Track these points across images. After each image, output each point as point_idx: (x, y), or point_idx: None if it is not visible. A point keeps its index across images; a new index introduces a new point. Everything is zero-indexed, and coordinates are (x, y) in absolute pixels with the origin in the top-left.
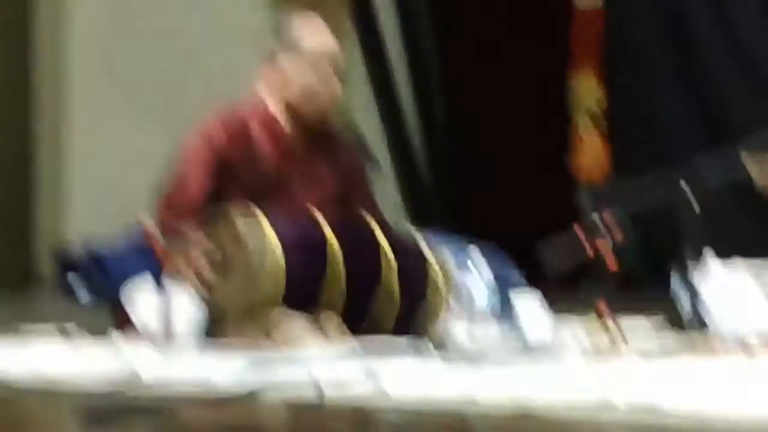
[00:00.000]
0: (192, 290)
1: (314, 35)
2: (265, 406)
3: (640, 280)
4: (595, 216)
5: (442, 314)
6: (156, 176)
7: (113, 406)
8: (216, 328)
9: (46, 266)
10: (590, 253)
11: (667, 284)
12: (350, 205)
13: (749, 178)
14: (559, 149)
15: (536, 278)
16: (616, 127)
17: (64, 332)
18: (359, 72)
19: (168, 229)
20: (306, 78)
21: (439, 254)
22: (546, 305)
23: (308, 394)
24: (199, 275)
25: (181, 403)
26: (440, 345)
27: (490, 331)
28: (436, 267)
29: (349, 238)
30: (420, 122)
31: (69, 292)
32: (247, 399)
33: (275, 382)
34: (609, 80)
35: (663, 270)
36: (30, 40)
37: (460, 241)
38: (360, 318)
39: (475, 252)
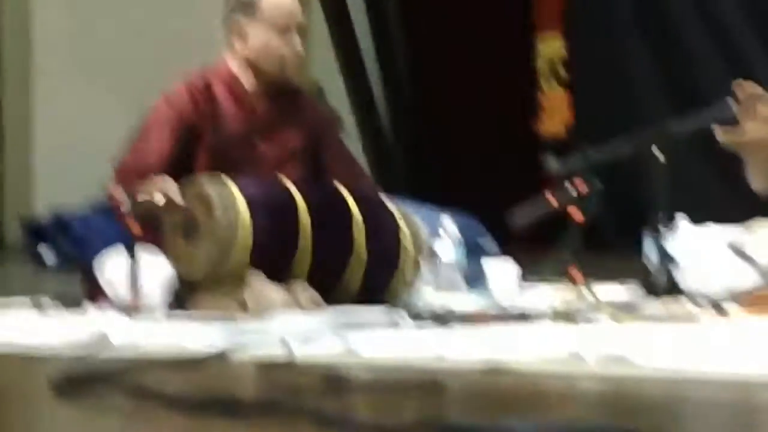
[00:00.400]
0: (161, 255)
1: None
2: (236, 365)
3: (608, 237)
4: (559, 169)
5: (414, 280)
6: (122, 142)
7: (84, 370)
8: (186, 293)
9: (14, 235)
10: (555, 204)
11: (636, 243)
12: (319, 163)
13: (713, 134)
14: (523, 108)
15: (507, 242)
16: (580, 83)
17: (36, 303)
18: (322, 29)
19: (131, 192)
20: (265, 35)
21: (410, 221)
22: (518, 271)
23: (278, 354)
24: (166, 240)
25: (151, 365)
26: (412, 311)
27: (461, 297)
28: (407, 234)
29: (319, 205)
30: (384, 84)
31: (38, 260)
32: (217, 359)
33: (245, 343)
34: (573, 36)
35: (630, 228)
36: None
37: (431, 207)
38: (331, 286)
39: (446, 218)
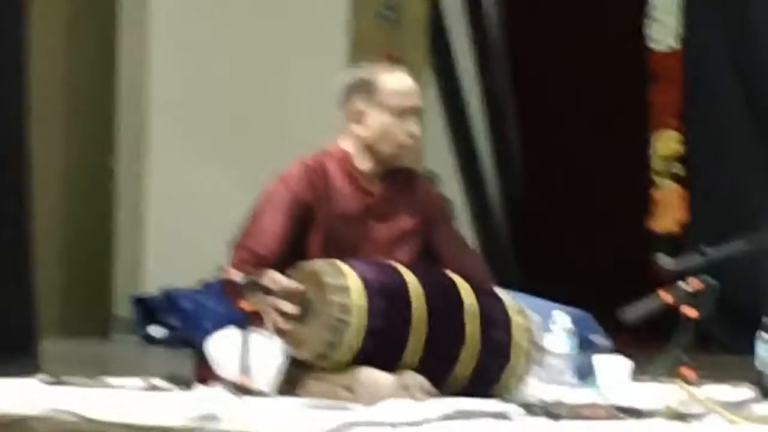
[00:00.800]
0: (272, 336)
1: (392, 76)
2: None
3: (720, 337)
4: (672, 266)
5: (526, 374)
6: (236, 224)
7: None
8: (297, 375)
9: (124, 311)
10: (668, 301)
11: (749, 344)
12: (431, 246)
13: None
14: (637, 204)
15: (619, 338)
16: (694, 180)
17: (147, 382)
18: (436, 115)
19: (246, 273)
20: (383, 118)
21: (523, 313)
22: (630, 369)
23: None
24: (279, 321)
25: None
26: (522, 403)
27: (572, 391)
28: (520, 326)
29: (432, 293)
30: (498, 179)
31: (147, 336)
32: None
33: (353, 429)
34: (688, 134)
35: (743, 328)
36: (113, 91)
37: (544, 300)
38: (442, 376)
39: (558, 312)
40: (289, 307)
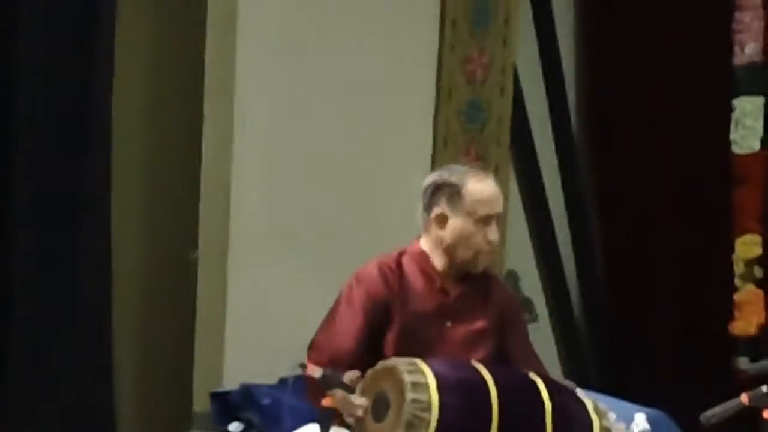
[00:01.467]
0: None
1: (478, 183)
2: None
3: None
4: (752, 369)
5: None
6: (314, 321)
7: None
8: None
9: (204, 406)
10: (747, 404)
11: None
12: (505, 347)
13: None
14: (718, 307)
15: None
16: None
17: None
18: (521, 218)
19: (325, 370)
20: (465, 224)
21: (603, 415)
22: None
23: None
24: (357, 421)
25: None
26: None
27: None
28: (601, 427)
29: (511, 391)
30: (579, 279)
31: None
32: None
33: None
34: None
35: None
36: (197, 183)
37: (625, 402)
38: None
39: (638, 414)
40: (363, 403)
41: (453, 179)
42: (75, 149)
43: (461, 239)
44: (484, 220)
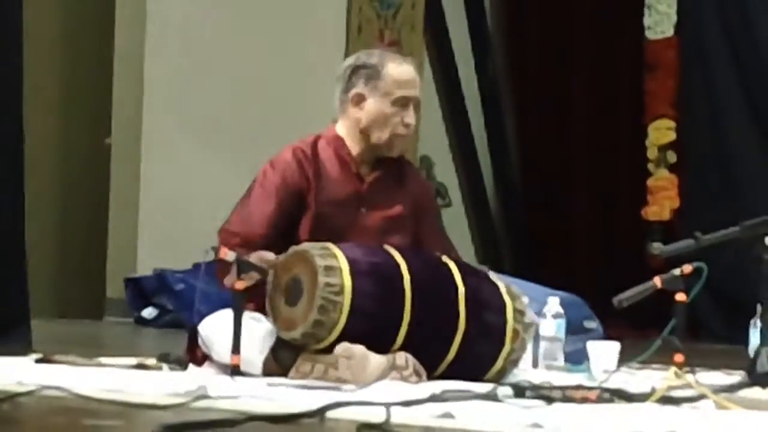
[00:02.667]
0: (263, 317)
1: (396, 65)
2: (333, 424)
3: (713, 326)
4: (665, 253)
5: (519, 358)
6: (227, 207)
7: (183, 422)
8: (288, 358)
9: (117, 291)
10: (660, 287)
11: (742, 333)
12: (418, 233)
13: None
14: (631, 192)
15: (611, 324)
16: (688, 167)
17: (140, 362)
18: (433, 100)
19: (237, 256)
20: (382, 105)
21: (517, 297)
22: (622, 355)
23: (376, 416)
24: (269, 301)
25: (249, 420)
26: (514, 386)
27: (562, 375)
28: (514, 310)
29: (425, 276)
30: (493, 165)
31: (139, 317)
32: (315, 417)
33: (343, 404)
34: (683, 122)
35: (736, 317)
36: (110, 72)
37: (538, 286)
38: (434, 360)
39: (551, 296)
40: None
41: (372, 60)
42: None
43: (377, 120)
44: (402, 102)
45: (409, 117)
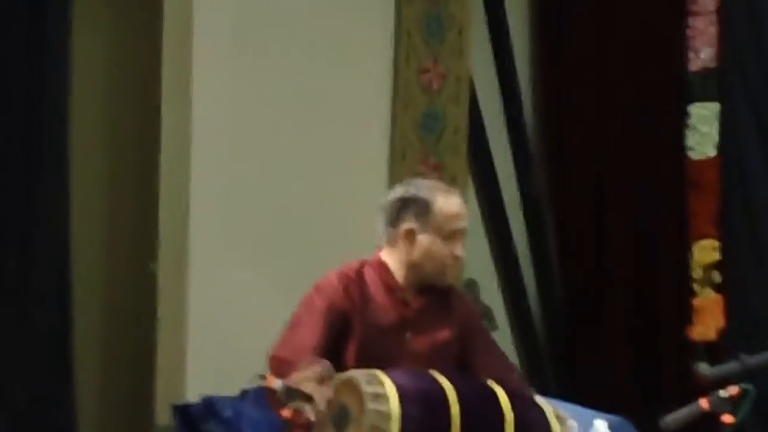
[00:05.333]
0: None
1: (446, 200)
2: None
3: None
4: (711, 374)
5: None
6: (275, 332)
7: None
8: None
9: (165, 419)
10: (707, 409)
11: None
12: (467, 357)
13: None
14: (676, 313)
15: None
16: (733, 287)
17: None
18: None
19: (284, 384)
20: (433, 241)
21: (563, 421)
22: None
23: None
24: (318, 429)
25: None
26: None
27: None
28: None
29: (470, 400)
30: (538, 287)
31: None
32: None
33: None
34: (727, 241)
35: None
36: (155, 195)
37: (584, 408)
38: None
39: (598, 420)
40: (322, 410)
41: (421, 194)
42: (32, 161)
43: (429, 255)
44: (452, 236)
45: (459, 249)
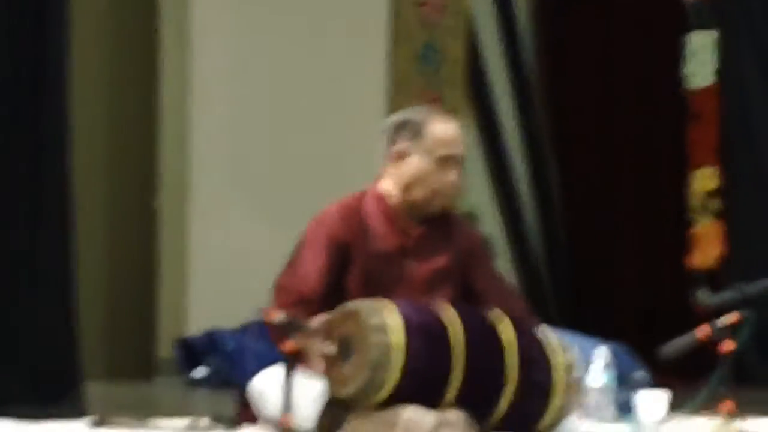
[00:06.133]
0: (314, 376)
1: (440, 123)
2: None
3: (753, 370)
4: (711, 302)
5: (567, 412)
6: (277, 265)
7: None
8: (340, 416)
9: (167, 352)
10: (706, 337)
11: None
12: (468, 285)
13: None
14: (675, 242)
15: (659, 374)
16: (732, 215)
17: (193, 423)
18: (476, 155)
19: (287, 314)
20: (424, 164)
21: (565, 350)
22: (670, 404)
23: None
24: (320, 362)
25: None
26: None
27: (611, 426)
28: (561, 363)
29: (472, 331)
30: (538, 216)
31: (190, 377)
32: None
33: None
34: (726, 169)
35: None
36: (156, 132)
37: (586, 337)
38: (483, 414)
39: (599, 347)
40: (328, 348)
41: (416, 117)
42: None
43: (419, 177)
44: (444, 161)
45: (452, 175)
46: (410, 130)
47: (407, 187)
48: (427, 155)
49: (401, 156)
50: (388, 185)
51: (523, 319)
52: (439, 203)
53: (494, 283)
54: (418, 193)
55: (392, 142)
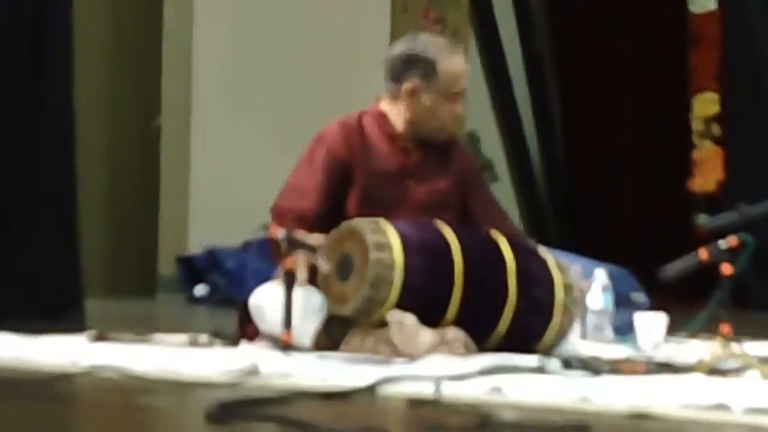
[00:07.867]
0: (314, 292)
1: (451, 59)
2: (384, 400)
3: (755, 294)
4: (710, 225)
5: (567, 331)
6: (278, 183)
7: (235, 399)
8: (339, 333)
9: (169, 270)
10: (705, 259)
11: None
12: (467, 208)
13: None
14: (677, 165)
15: (658, 296)
16: (733, 139)
17: (192, 339)
18: (480, 80)
19: (287, 231)
20: (435, 101)
21: (564, 271)
22: (669, 327)
23: (426, 391)
24: (320, 278)
25: (300, 396)
26: (561, 358)
27: (609, 347)
28: (561, 284)
29: (473, 250)
30: (538, 140)
31: (191, 294)
32: (366, 393)
33: (394, 379)
34: (727, 94)
35: None
36: (159, 52)
37: (584, 259)
38: (483, 333)
39: (598, 269)
40: (325, 266)
41: (428, 54)
42: (35, 20)
43: (431, 115)
44: (454, 96)
45: (459, 108)
46: (422, 67)
47: (416, 122)
48: (439, 95)
49: (412, 94)
50: (390, 109)
51: (521, 239)
52: (444, 134)
53: (491, 209)
54: (426, 128)
55: (400, 76)
